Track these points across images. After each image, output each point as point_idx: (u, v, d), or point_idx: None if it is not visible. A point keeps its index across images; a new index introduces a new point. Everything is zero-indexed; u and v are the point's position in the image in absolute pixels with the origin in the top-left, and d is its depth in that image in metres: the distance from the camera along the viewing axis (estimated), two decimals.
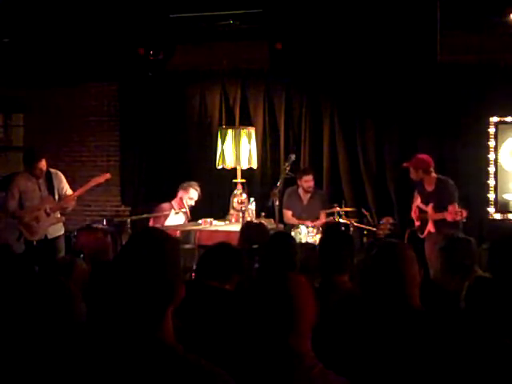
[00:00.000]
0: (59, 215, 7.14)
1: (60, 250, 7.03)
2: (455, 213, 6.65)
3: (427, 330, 2.50)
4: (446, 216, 6.73)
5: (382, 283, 2.68)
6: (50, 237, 6.98)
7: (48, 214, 6.92)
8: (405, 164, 7.15)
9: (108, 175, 7.38)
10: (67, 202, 7.07)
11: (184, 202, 7.47)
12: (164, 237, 1.89)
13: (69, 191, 7.12)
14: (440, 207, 6.84)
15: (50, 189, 6.98)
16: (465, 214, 6.66)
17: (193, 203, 7.52)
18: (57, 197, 7.04)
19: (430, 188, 7.03)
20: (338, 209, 7.55)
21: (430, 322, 2.56)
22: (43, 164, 6.91)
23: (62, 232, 7.15)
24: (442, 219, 6.76)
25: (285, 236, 4.50)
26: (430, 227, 6.91)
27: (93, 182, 7.22)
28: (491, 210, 8.04)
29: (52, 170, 7.10)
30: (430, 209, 6.95)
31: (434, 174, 7.00)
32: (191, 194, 7.52)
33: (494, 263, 3.56)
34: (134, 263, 1.80)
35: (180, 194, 7.56)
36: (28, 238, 6.87)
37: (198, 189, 7.59)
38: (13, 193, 6.89)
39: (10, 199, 6.90)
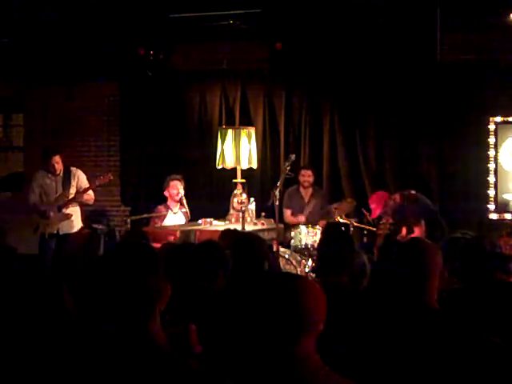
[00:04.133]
0: (67, 211, 7.31)
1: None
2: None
3: (440, 331, 2.50)
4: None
5: (403, 280, 2.68)
6: (61, 232, 7.28)
7: (59, 210, 7.23)
8: (375, 215, 7.25)
9: (111, 176, 7.56)
10: (77, 198, 7.31)
11: (175, 196, 7.50)
12: (142, 245, 2.03)
13: (90, 193, 7.43)
14: (410, 228, 6.80)
15: (66, 186, 7.31)
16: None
17: (182, 193, 7.51)
18: (72, 194, 7.31)
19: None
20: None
21: (444, 321, 2.55)
22: (57, 160, 7.28)
23: (77, 229, 7.43)
24: None
25: (250, 240, 4.14)
26: None
27: (97, 182, 7.43)
28: (491, 209, 8.03)
29: (72, 169, 7.48)
30: (403, 233, 6.88)
31: (395, 195, 7.04)
32: (173, 185, 7.54)
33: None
34: (115, 274, 1.92)
35: (166, 193, 7.61)
36: (43, 231, 7.23)
37: (178, 177, 7.61)
38: (33, 187, 7.33)
39: (30, 193, 7.33)
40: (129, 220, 7.32)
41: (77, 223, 7.47)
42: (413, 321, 2.55)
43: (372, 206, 7.32)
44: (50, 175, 7.33)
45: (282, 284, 2.00)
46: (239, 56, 8.68)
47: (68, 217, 7.29)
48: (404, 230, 6.86)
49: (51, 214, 7.20)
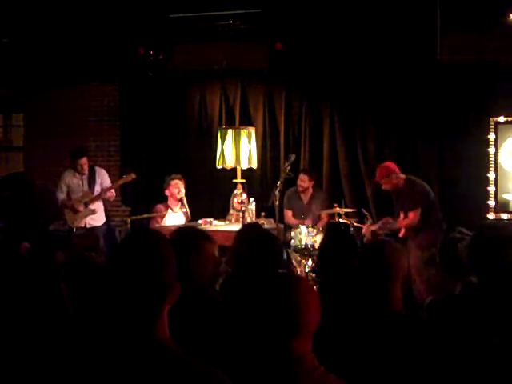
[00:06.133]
0: (93, 208, 7.93)
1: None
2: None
3: (408, 333, 2.50)
4: (399, 224, 6.78)
5: (367, 282, 2.69)
6: (88, 226, 7.91)
7: (86, 205, 7.91)
8: (375, 179, 7.14)
9: (133, 175, 7.95)
10: (101, 195, 7.97)
11: (176, 196, 7.56)
12: (158, 237, 1.91)
13: (112, 191, 8.07)
14: (404, 209, 6.80)
15: (91, 184, 8.01)
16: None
17: (182, 193, 7.56)
18: (97, 191, 7.99)
19: (400, 193, 6.95)
20: (338, 209, 7.55)
21: (411, 325, 2.55)
22: (84, 162, 7.94)
23: (100, 224, 8.06)
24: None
25: (269, 238, 4.07)
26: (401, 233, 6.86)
27: (121, 181, 8.10)
28: (491, 210, 8.03)
29: (96, 168, 8.16)
30: (401, 217, 6.88)
31: (401, 175, 6.95)
32: (175, 186, 7.60)
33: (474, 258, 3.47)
34: (128, 263, 1.82)
35: (167, 192, 7.67)
36: (70, 225, 7.89)
37: (179, 176, 7.70)
38: (61, 186, 8.00)
39: (58, 192, 8.01)
40: (129, 220, 7.32)
41: (101, 217, 8.12)
42: (375, 324, 2.55)
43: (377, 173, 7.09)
44: (77, 175, 7.98)
45: (277, 283, 2.00)
46: (239, 56, 8.68)
47: (94, 212, 7.94)
48: (401, 215, 6.89)
49: (80, 208, 7.87)
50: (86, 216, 7.92)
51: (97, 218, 8.03)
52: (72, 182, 8.00)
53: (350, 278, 3.53)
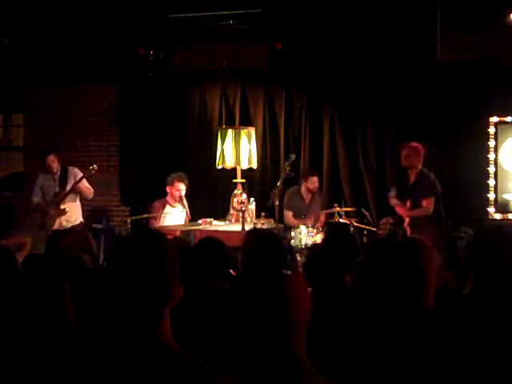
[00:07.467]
0: (64, 207, 7.59)
1: None
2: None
3: (435, 332, 2.48)
4: (417, 213, 6.77)
5: (399, 282, 2.65)
6: (62, 228, 7.54)
7: (57, 206, 7.58)
8: (401, 150, 7.09)
9: (96, 166, 7.74)
10: (73, 189, 7.62)
11: (177, 196, 7.54)
12: (160, 237, 1.90)
13: (86, 185, 7.71)
14: (417, 201, 6.82)
15: (62, 184, 7.68)
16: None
17: (183, 194, 7.55)
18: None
19: (411, 180, 6.99)
20: (338, 209, 7.55)
21: (439, 323, 2.53)
22: (52, 159, 7.62)
23: (77, 223, 7.69)
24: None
25: (272, 238, 4.12)
26: (405, 225, 6.87)
27: (86, 174, 7.67)
28: (491, 209, 8.03)
29: (69, 168, 7.81)
30: (407, 205, 6.91)
31: (420, 166, 6.99)
32: (177, 187, 7.58)
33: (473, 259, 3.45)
34: (131, 264, 1.81)
35: (168, 189, 7.65)
36: (48, 228, 7.55)
37: (184, 177, 7.66)
38: (35, 189, 7.78)
39: (33, 195, 7.78)
40: (129, 220, 7.33)
41: (75, 218, 7.70)
42: (407, 323, 2.53)
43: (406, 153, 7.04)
44: (49, 176, 7.70)
45: (267, 281, 1.99)
46: (239, 56, 8.69)
47: (65, 212, 7.59)
48: (408, 204, 6.90)
49: (51, 211, 7.57)
50: (58, 216, 7.58)
51: (70, 218, 7.65)
52: (44, 183, 7.72)
53: (355, 276, 3.54)
